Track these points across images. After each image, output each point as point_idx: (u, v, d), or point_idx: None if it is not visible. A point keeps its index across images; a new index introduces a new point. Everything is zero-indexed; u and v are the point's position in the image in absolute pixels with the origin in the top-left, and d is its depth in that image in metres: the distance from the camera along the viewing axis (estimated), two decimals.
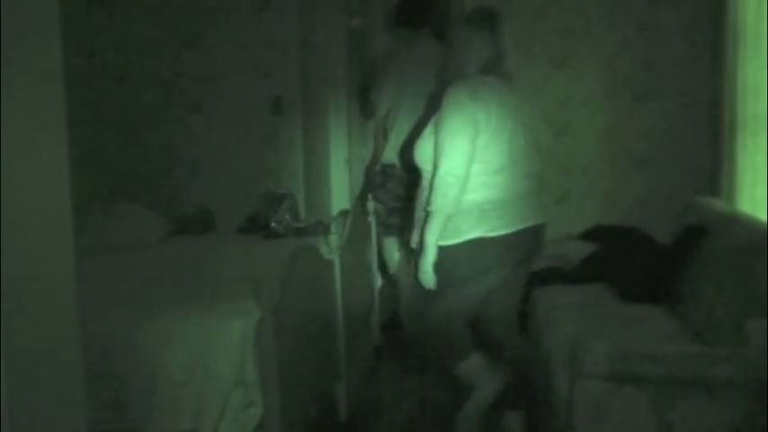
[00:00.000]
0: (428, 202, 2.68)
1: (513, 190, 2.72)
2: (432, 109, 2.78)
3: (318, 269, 3.15)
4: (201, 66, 5.05)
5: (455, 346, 2.88)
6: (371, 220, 4.18)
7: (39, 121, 1.39)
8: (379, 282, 4.47)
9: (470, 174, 2.64)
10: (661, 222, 4.59)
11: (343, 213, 3.72)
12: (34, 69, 1.37)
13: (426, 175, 2.76)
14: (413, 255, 2.89)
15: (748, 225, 2.91)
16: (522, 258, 2.83)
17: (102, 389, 2.57)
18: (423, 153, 2.77)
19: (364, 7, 5.40)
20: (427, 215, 2.69)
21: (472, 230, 2.67)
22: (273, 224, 3.93)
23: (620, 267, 3.55)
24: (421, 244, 2.73)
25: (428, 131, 2.76)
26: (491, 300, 2.89)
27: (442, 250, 2.69)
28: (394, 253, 4.51)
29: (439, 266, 2.71)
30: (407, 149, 3.54)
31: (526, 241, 2.77)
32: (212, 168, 5.11)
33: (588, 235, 4.41)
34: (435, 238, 2.68)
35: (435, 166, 2.66)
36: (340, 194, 5.10)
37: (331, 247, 3.29)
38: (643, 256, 3.48)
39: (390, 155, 4.35)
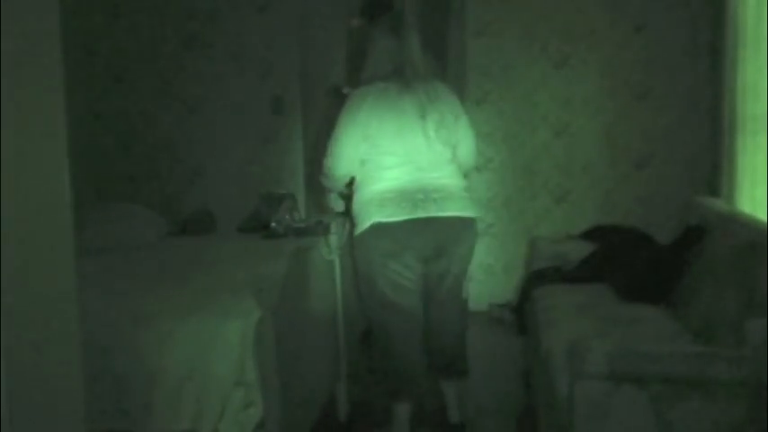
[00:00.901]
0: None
1: (415, 183, 2.94)
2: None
3: (318, 269, 3.15)
4: (201, 66, 5.05)
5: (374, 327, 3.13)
6: None
7: (39, 121, 1.39)
8: None
9: (371, 168, 2.97)
10: (661, 222, 4.60)
11: (344, 213, 3.72)
12: (34, 69, 1.37)
13: None
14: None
15: (748, 225, 2.91)
16: (439, 246, 2.98)
17: (102, 389, 2.57)
18: None
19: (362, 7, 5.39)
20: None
21: (373, 216, 2.93)
22: (273, 224, 3.92)
23: (620, 267, 3.55)
24: None
25: None
26: (428, 288, 3.07)
27: (358, 238, 3.01)
28: None
29: (357, 252, 3.05)
30: None
31: (435, 230, 2.94)
32: (212, 168, 5.11)
33: (588, 235, 4.42)
34: (331, 204, 3.31)
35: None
36: None
37: (331, 247, 3.29)
38: (643, 256, 3.48)
39: None
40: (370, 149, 2.96)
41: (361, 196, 3.00)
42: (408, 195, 2.92)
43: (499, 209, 5.04)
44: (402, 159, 2.95)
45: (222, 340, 2.58)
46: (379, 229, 2.92)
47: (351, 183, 3.15)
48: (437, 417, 3.35)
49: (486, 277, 5.08)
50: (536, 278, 3.86)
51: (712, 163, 4.58)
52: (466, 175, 3.20)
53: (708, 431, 2.21)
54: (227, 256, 3.69)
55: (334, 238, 3.33)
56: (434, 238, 2.95)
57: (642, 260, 3.43)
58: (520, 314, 3.95)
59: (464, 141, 3.10)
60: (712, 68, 4.62)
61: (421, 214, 2.91)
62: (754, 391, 2.19)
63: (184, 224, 4.51)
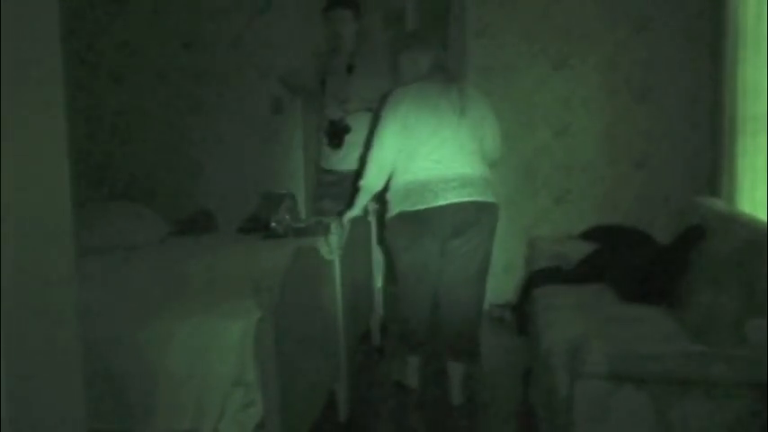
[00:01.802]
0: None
1: (437, 173, 3.35)
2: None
3: (318, 269, 3.15)
4: (201, 66, 5.05)
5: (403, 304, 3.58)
6: (371, 219, 4.18)
7: (39, 121, 1.39)
8: (378, 282, 4.47)
9: (403, 157, 3.38)
10: (661, 222, 4.59)
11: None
12: (34, 69, 1.37)
13: None
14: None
15: (748, 225, 2.91)
16: (457, 227, 3.38)
17: (102, 389, 2.57)
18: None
19: (364, 7, 5.39)
20: (357, 191, 3.57)
21: (398, 206, 3.40)
22: (273, 224, 3.92)
23: (620, 267, 3.55)
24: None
25: None
26: (444, 268, 3.48)
27: (387, 222, 3.50)
28: None
29: (387, 233, 3.55)
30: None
31: (452, 214, 3.35)
32: (212, 168, 5.11)
33: (588, 235, 4.41)
34: (357, 210, 3.59)
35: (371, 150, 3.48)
36: None
37: (331, 247, 3.29)
38: (643, 256, 3.48)
39: None
40: (405, 140, 3.38)
41: (392, 185, 3.46)
42: (431, 186, 3.34)
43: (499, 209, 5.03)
44: (430, 150, 3.37)
45: (222, 340, 2.58)
46: (404, 216, 3.39)
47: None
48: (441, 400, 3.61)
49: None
50: (536, 278, 3.86)
51: (712, 163, 4.57)
52: (492, 165, 3.60)
53: (708, 431, 2.21)
54: (227, 256, 3.69)
55: (334, 238, 3.33)
56: (452, 220, 3.36)
57: (642, 260, 3.43)
58: (520, 314, 3.95)
59: (490, 137, 3.53)
60: (712, 68, 4.62)
61: (441, 202, 3.33)
62: (754, 391, 2.19)
63: (184, 224, 4.51)
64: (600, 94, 4.89)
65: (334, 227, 3.39)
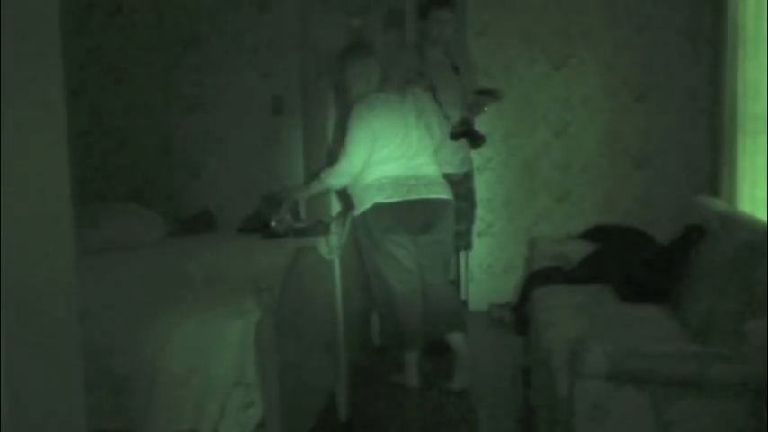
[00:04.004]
0: (324, 172, 3.64)
1: (407, 171, 3.60)
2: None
3: (318, 269, 3.15)
4: (201, 66, 5.04)
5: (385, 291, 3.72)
6: None
7: (39, 122, 1.39)
8: None
9: (373, 161, 3.56)
10: (661, 222, 4.59)
11: (343, 213, 3.72)
12: (34, 70, 1.37)
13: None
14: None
15: (748, 225, 2.90)
16: (426, 221, 3.63)
17: (102, 389, 2.57)
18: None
19: (364, 7, 5.40)
20: (317, 178, 3.68)
21: (374, 198, 3.56)
22: (273, 224, 3.92)
23: (620, 267, 3.55)
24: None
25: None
26: (420, 259, 3.71)
27: (360, 216, 3.61)
28: None
29: (359, 229, 3.65)
30: None
31: (423, 209, 3.61)
32: (212, 168, 5.10)
33: (588, 235, 4.41)
34: (306, 195, 3.77)
35: (340, 157, 3.59)
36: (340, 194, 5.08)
37: (331, 247, 3.29)
38: (643, 256, 3.48)
39: None
40: (375, 146, 3.55)
41: (362, 181, 3.58)
42: (403, 181, 3.58)
43: (499, 209, 5.04)
44: (401, 153, 3.60)
45: (222, 340, 2.58)
46: (379, 208, 3.55)
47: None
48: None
49: (486, 277, 5.08)
50: (536, 278, 3.86)
51: (712, 163, 4.57)
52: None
53: (708, 431, 2.21)
54: (227, 256, 3.70)
55: (334, 238, 3.33)
56: (423, 214, 3.63)
57: (642, 260, 3.43)
58: (520, 314, 3.95)
59: (439, 131, 3.81)
60: (712, 68, 4.62)
61: (414, 196, 3.58)
62: (754, 391, 2.19)
63: (184, 224, 4.51)
64: (600, 94, 4.89)
65: (334, 227, 3.40)
